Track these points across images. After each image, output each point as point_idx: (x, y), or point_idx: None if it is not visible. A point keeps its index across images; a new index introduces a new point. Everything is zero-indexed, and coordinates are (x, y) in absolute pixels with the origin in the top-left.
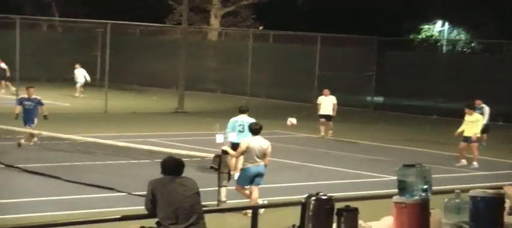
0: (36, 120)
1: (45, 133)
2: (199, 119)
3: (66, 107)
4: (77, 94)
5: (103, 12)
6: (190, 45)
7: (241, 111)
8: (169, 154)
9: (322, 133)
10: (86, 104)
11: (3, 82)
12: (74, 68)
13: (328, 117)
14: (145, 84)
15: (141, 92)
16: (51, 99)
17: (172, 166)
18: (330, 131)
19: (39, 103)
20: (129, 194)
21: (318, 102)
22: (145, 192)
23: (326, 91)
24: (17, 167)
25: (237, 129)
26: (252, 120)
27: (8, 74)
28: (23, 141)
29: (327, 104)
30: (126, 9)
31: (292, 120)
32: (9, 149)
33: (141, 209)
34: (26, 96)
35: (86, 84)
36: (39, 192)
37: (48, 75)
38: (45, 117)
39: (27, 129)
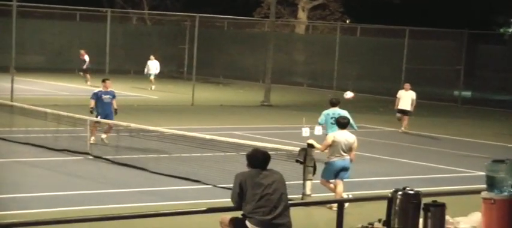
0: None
1: (133, 125)
2: (285, 113)
3: (154, 99)
4: (153, 87)
5: (191, 5)
6: (277, 39)
7: (333, 103)
8: (255, 147)
9: (403, 128)
10: (173, 97)
11: (87, 75)
12: (162, 61)
13: (405, 112)
14: (232, 77)
15: (227, 85)
16: (139, 92)
17: (259, 159)
18: (403, 128)
19: (114, 96)
20: (215, 186)
21: (397, 96)
22: (230, 185)
23: (407, 85)
24: (106, 159)
25: (329, 122)
26: (344, 112)
27: (85, 66)
28: (104, 135)
29: (406, 98)
30: (214, 2)
31: (348, 95)
32: (97, 141)
33: (226, 201)
34: (102, 89)
35: (169, 77)
36: (127, 184)
37: (137, 67)
38: (115, 111)
39: (109, 121)
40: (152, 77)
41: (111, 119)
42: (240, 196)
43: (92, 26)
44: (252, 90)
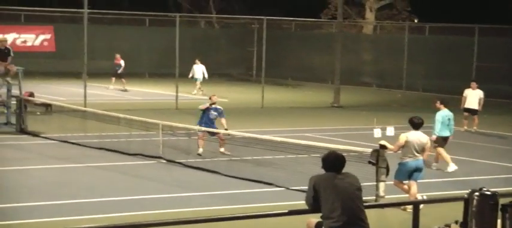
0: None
1: (203, 129)
2: (355, 113)
3: (223, 102)
4: (194, 92)
5: (259, 8)
6: (345, 39)
7: (443, 103)
8: (327, 149)
9: (465, 127)
10: (242, 99)
11: (123, 79)
12: (230, 64)
13: (473, 111)
14: (300, 78)
15: (296, 87)
16: (209, 95)
17: (334, 162)
18: (475, 127)
19: (221, 114)
20: (287, 189)
21: (464, 94)
22: (303, 187)
23: (473, 84)
24: (178, 162)
25: (445, 123)
26: (450, 113)
27: (120, 71)
28: (222, 149)
29: (472, 97)
30: (281, 5)
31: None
32: (169, 144)
33: (299, 204)
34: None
35: (238, 79)
36: (199, 187)
37: (206, 71)
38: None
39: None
40: (198, 82)
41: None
42: (314, 199)
43: (161, 30)
44: (321, 91)
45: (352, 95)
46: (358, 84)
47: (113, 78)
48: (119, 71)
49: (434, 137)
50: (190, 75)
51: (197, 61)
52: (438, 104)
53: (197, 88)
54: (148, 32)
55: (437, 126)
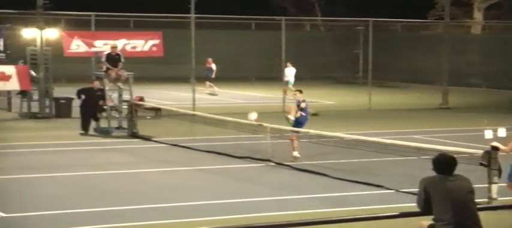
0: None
1: (312, 131)
2: (465, 115)
3: (330, 104)
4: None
5: (364, 9)
6: (452, 40)
7: None
8: (436, 150)
9: None
10: (349, 102)
11: (211, 83)
12: (336, 66)
13: None
14: (407, 80)
15: (403, 89)
16: (316, 98)
17: (446, 164)
18: None
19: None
20: (397, 191)
21: None
22: (413, 190)
23: None
24: (287, 165)
25: None
26: None
27: (213, 75)
28: (296, 153)
29: None
30: (386, 6)
31: (253, 116)
32: (278, 148)
33: (409, 206)
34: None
35: (345, 82)
36: (308, 190)
37: (312, 73)
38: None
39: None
40: (290, 85)
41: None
42: (425, 201)
43: (267, 34)
44: (429, 93)
45: (460, 96)
46: (466, 85)
47: (207, 83)
48: (212, 76)
49: None
50: (286, 79)
51: (288, 64)
52: None
53: (292, 93)
54: (254, 36)
55: None
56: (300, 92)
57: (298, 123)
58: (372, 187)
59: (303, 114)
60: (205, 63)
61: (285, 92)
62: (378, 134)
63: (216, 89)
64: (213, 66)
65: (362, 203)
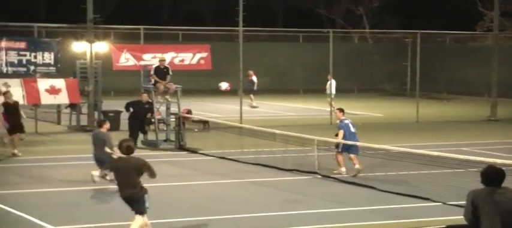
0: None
1: (359, 144)
2: None
3: (378, 117)
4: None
5: (412, 21)
6: (501, 52)
7: None
8: (484, 163)
9: None
10: (397, 114)
11: (252, 96)
12: (384, 78)
13: None
14: (455, 92)
15: (451, 100)
16: (364, 110)
17: (494, 176)
18: None
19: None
20: (445, 203)
21: None
22: (461, 202)
23: None
24: (334, 178)
25: None
26: None
27: (255, 87)
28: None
29: None
30: (435, 18)
31: (223, 86)
32: (325, 160)
33: (456, 219)
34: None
35: (393, 94)
36: (355, 202)
37: (360, 85)
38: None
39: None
40: (332, 97)
41: (353, 152)
42: (473, 214)
43: (315, 46)
44: (477, 104)
45: (509, 108)
46: None
47: (251, 95)
48: (255, 87)
49: None
50: (328, 91)
51: (329, 77)
52: None
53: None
54: (302, 48)
55: None
56: (341, 111)
57: (346, 146)
58: (419, 200)
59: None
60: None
61: (330, 105)
62: (425, 147)
63: (253, 102)
64: (254, 78)
65: (409, 215)
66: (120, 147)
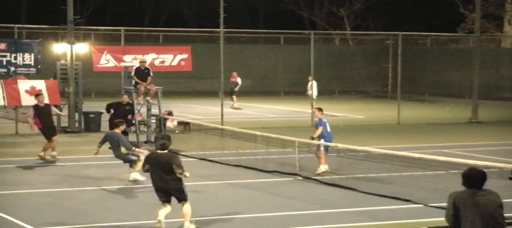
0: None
1: (340, 145)
2: (495, 129)
3: (360, 119)
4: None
5: (393, 23)
6: (483, 54)
7: None
8: (466, 165)
9: None
10: (378, 116)
11: (234, 97)
12: (365, 80)
13: None
14: (437, 94)
15: (433, 103)
16: (345, 112)
17: (475, 178)
18: None
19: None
20: (426, 205)
21: None
22: (442, 204)
23: None
24: (315, 179)
25: None
26: None
27: (237, 89)
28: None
29: None
30: (416, 20)
31: None
32: (306, 162)
33: (438, 221)
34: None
35: (374, 96)
36: (336, 204)
37: (341, 87)
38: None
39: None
40: (314, 98)
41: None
42: (454, 216)
43: (296, 48)
44: (459, 107)
45: (491, 110)
46: (497, 99)
47: (233, 97)
48: (236, 89)
49: None
50: (309, 93)
51: (310, 78)
52: None
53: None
54: (283, 50)
55: None
56: (320, 110)
57: (327, 134)
58: (401, 201)
59: (325, 135)
60: (230, 78)
61: (312, 106)
62: (406, 148)
63: (235, 103)
64: (239, 80)
65: (391, 217)
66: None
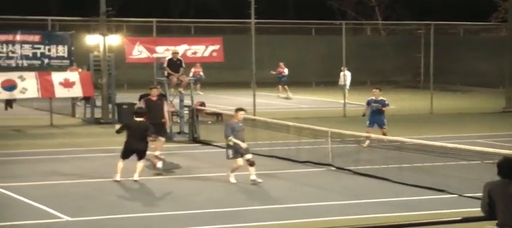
0: (385, 120)
1: (373, 136)
2: None
3: (392, 109)
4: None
5: (425, 13)
6: None
7: None
8: (500, 155)
9: None
10: (410, 106)
11: (285, 87)
12: (397, 71)
13: None
14: (469, 84)
15: (465, 92)
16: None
17: (510, 168)
18: None
19: (384, 104)
20: (460, 195)
21: None
22: (477, 194)
23: None
24: (348, 169)
25: None
26: None
27: (283, 79)
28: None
29: None
30: (448, 9)
31: None
32: (339, 152)
33: (472, 211)
34: (373, 97)
35: (406, 86)
36: (369, 194)
37: (373, 78)
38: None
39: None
40: (347, 89)
41: (381, 127)
42: (490, 206)
43: (327, 38)
44: (492, 96)
45: None
46: None
47: (280, 87)
48: (283, 79)
49: None
50: (341, 83)
51: (342, 68)
52: None
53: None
54: (314, 41)
55: None
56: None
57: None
58: (435, 192)
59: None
60: (277, 68)
61: (344, 97)
62: (440, 139)
63: (289, 93)
64: (286, 70)
65: (424, 207)
66: None
